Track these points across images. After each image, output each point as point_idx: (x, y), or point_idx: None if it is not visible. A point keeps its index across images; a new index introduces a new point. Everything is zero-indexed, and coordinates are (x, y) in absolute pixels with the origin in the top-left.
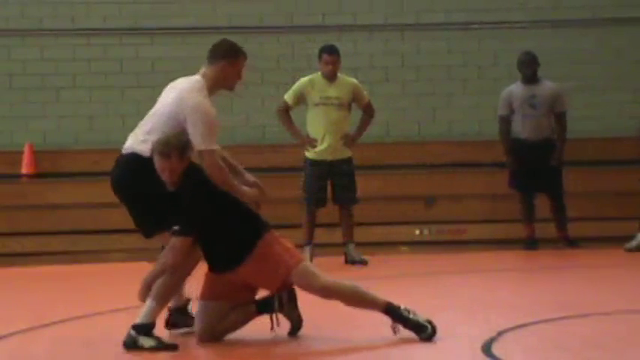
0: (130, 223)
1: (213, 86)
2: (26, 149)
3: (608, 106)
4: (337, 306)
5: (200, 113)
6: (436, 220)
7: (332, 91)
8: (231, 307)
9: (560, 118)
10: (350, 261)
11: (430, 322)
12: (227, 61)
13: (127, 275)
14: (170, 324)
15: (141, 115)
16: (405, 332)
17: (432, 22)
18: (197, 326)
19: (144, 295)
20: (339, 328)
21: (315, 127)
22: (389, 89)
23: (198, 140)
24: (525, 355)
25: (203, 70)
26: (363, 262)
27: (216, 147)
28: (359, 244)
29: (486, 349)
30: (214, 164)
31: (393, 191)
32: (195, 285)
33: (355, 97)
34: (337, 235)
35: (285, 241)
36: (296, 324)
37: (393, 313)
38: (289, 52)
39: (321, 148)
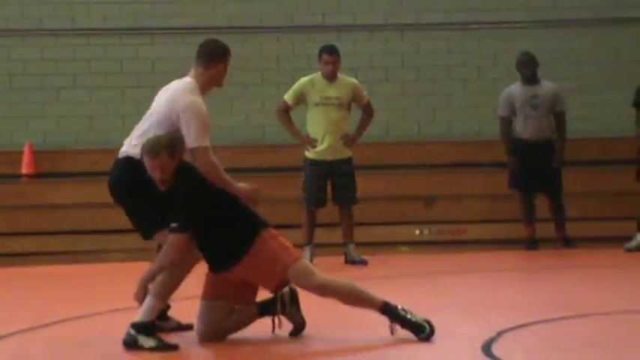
0: (129, 223)
1: (207, 86)
2: (26, 149)
3: (607, 106)
4: (337, 306)
5: (193, 111)
6: (436, 220)
7: (332, 91)
8: (233, 307)
9: (560, 118)
10: (350, 261)
11: (428, 322)
12: (222, 62)
13: (126, 275)
14: None
15: (141, 115)
16: (405, 332)
17: (432, 22)
18: (199, 326)
19: (140, 296)
20: (339, 328)
21: (315, 127)
22: (389, 89)
23: (191, 138)
24: (525, 355)
25: (194, 71)
26: (363, 263)
27: (208, 144)
28: (359, 244)
29: (486, 349)
30: (208, 161)
31: (393, 191)
32: (192, 285)
33: (355, 97)
34: (337, 235)
35: (283, 239)
36: (299, 326)
37: (390, 312)
38: (289, 52)
39: (321, 148)
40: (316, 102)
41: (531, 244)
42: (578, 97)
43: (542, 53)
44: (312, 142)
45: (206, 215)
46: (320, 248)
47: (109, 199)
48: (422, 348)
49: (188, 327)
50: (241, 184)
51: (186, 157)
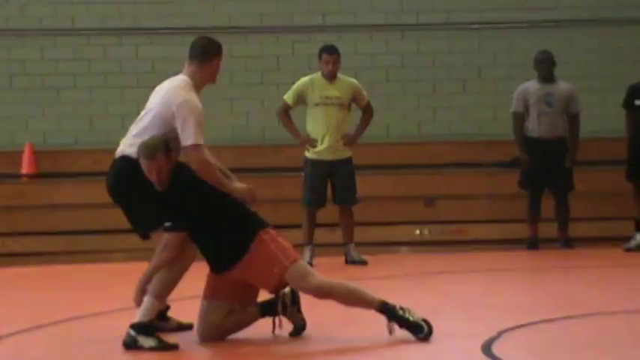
0: (128, 223)
1: (201, 83)
2: (26, 149)
3: (607, 106)
4: (337, 307)
5: (187, 109)
6: (436, 220)
7: (332, 91)
8: (234, 307)
9: (574, 119)
10: (350, 261)
11: (426, 322)
12: (215, 59)
13: (127, 275)
14: None
15: None
16: (403, 333)
17: (432, 22)
18: (199, 326)
19: (139, 299)
20: (340, 328)
21: (315, 127)
22: (389, 89)
23: (185, 135)
24: (526, 355)
25: (188, 69)
26: (363, 263)
27: (202, 142)
28: (359, 244)
29: (486, 348)
30: (201, 159)
31: (393, 191)
32: (191, 284)
33: (355, 97)
34: (337, 235)
35: (282, 239)
36: (299, 326)
37: (388, 312)
38: (289, 52)
39: (321, 148)
40: (316, 102)
41: (532, 243)
42: (579, 97)
43: None
44: (312, 142)
45: (202, 215)
46: (320, 248)
47: (109, 199)
48: (422, 348)
49: (188, 327)
50: (237, 184)
51: (182, 157)
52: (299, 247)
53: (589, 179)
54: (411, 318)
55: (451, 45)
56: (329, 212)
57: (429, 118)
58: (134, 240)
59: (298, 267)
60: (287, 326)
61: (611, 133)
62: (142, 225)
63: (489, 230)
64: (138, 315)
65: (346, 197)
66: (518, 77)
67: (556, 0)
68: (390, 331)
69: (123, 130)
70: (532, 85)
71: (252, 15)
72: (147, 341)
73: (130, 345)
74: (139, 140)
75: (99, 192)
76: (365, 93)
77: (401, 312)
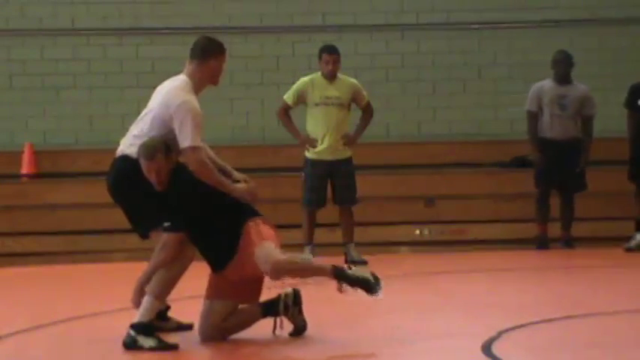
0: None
1: (201, 84)
2: (26, 149)
3: (609, 107)
4: (338, 306)
5: (186, 110)
6: (436, 220)
7: (332, 91)
8: (236, 307)
9: (588, 122)
10: (350, 261)
11: (373, 274)
12: (215, 58)
13: (127, 275)
14: None
15: None
16: (403, 332)
17: (432, 22)
18: (201, 325)
19: (137, 299)
20: (340, 329)
21: (315, 127)
22: (389, 89)
23: (183, 137)
24: (526, 355)
25: (188, 69)
26: (363, 262)
27: (201, 144)
28: (359, 244)
29: (486, 348)
30: (199, 161)
31: (393, 191)
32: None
33: (355, 97)
34: (337, 235)
35: (266, 228)
36: (300, 327)
37: (340, 274)
38: (289, 52)
39: (321, 148)
40: (316, 102)
41: (542, 243)
42: None
43: (543, 53)
44: (312, 142)
45: (201, 216)
46: (320, 248)
47: (109, 199)
48: (422, 348)
49: (188, 327)
50: (237, 185)
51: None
52: (299, 247)
53: (590, 179)
54: (359, 274)
55: (451, 45)
56: (329, 212)
57: (429, 118)
58: (134, 240)
59: (261, 246)
60: (287, 326)
61: (612, 133)
62: (142, 224)
63: (489, 230)
64: (137, 315)
65: (346, 197)
66: (518, 77)
67: (556, 0)
68: (341, 291)
69: (123, 130)
70: (547, 85)
71: (252, 15)
72: (147, 341)
73: (130, 345)
74: (139, 140)
75: (99, 192)
76: (365, 93)
77: (350, 272)
